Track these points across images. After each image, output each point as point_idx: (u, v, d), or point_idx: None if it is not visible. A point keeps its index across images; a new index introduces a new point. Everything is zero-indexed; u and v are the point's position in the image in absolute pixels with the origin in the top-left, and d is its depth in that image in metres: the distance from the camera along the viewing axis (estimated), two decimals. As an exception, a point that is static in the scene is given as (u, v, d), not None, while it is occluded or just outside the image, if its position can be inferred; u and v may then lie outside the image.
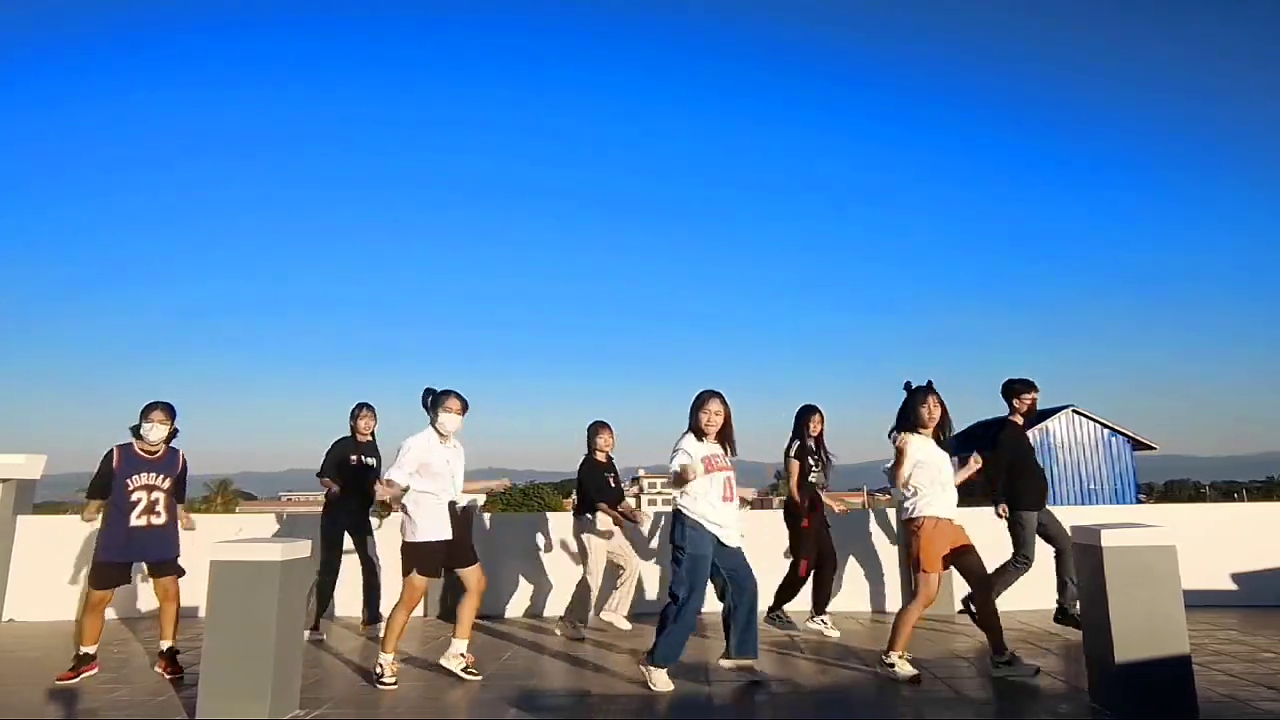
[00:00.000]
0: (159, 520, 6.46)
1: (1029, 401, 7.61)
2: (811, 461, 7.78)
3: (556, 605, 8.83)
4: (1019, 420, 7.65)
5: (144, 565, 6.58)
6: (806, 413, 7.89)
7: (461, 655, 6.14)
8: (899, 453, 6.20)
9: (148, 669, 6.50)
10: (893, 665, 5.96)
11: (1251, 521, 9.50)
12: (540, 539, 9.42)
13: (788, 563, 7.90)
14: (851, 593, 9.03)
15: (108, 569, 6.36)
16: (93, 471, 6.44)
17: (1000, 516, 7.16)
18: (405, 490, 5.95)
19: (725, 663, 5.97)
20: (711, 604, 6.02)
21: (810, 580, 7.86)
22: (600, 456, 8.05)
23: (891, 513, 9.39)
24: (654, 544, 9.27)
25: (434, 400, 6.27)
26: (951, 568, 6.16)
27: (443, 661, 6.14)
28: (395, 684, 5.85)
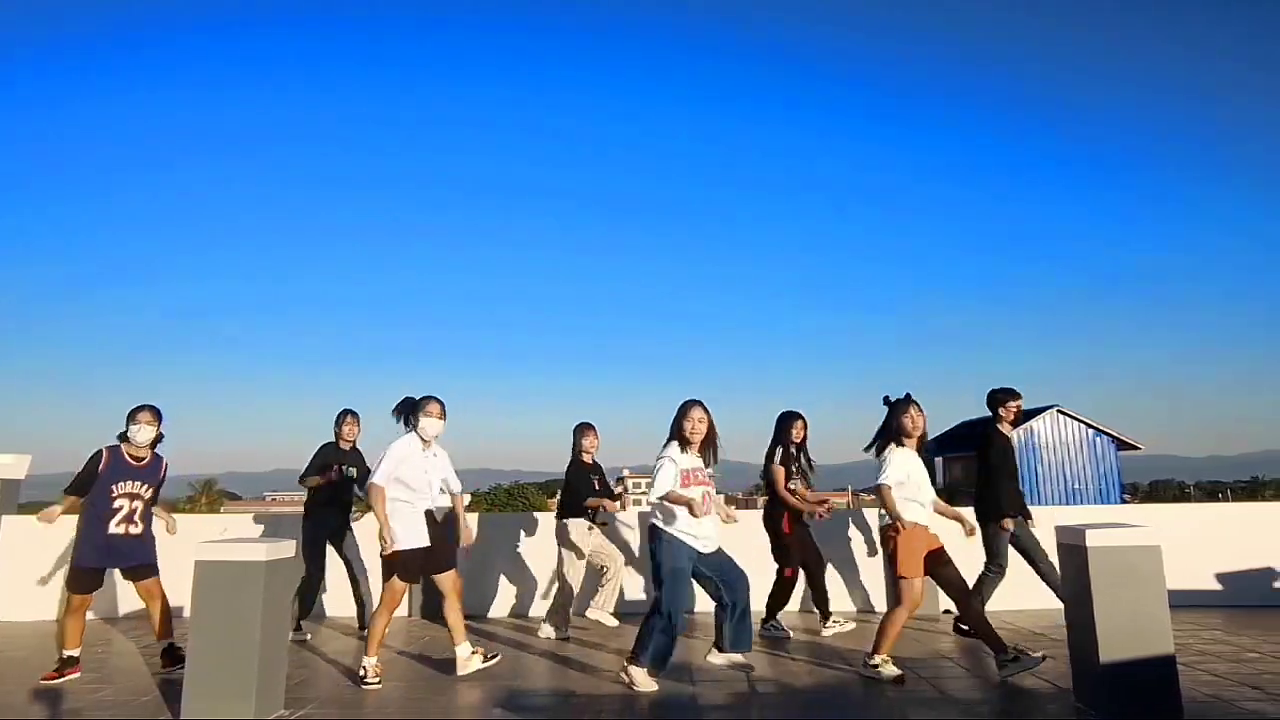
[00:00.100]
0: (135, 530, 6.44)
1: (1014, 409, 7.66)
2: (793, 469, 7.77)
3: (542, 605, 8.84)
4: (1006, 429, 7.67)
5: (118, 570, 6.55)
6: (789, 419, 7.86)
7: (473, 653, 6.17)
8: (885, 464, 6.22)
9: (131, 669, 6.49)
10: (876, 666, 5.98)
11: (1236, 521, 9.56)
12: (525, 539, 9.41)
13: (774, 567, 7.88)
14: (837, 593, 9.03)
15: (83, 574, 6.33)
16: (78, 472, 6.41)
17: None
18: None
19: (715, 658, 5.93)
20: (704, 604, 6.03)
21: (806, 586, 7.90)
22: (586, 459, 8.05)
23: (875, 513, 9.42)
24: (635, 542, 9.26)
25: (414, 406, 6.32)
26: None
27: (463, 670, 6.13)
28: (379, 684, 5.86)
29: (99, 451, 6.43)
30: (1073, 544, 5.27)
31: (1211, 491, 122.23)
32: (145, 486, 6.50)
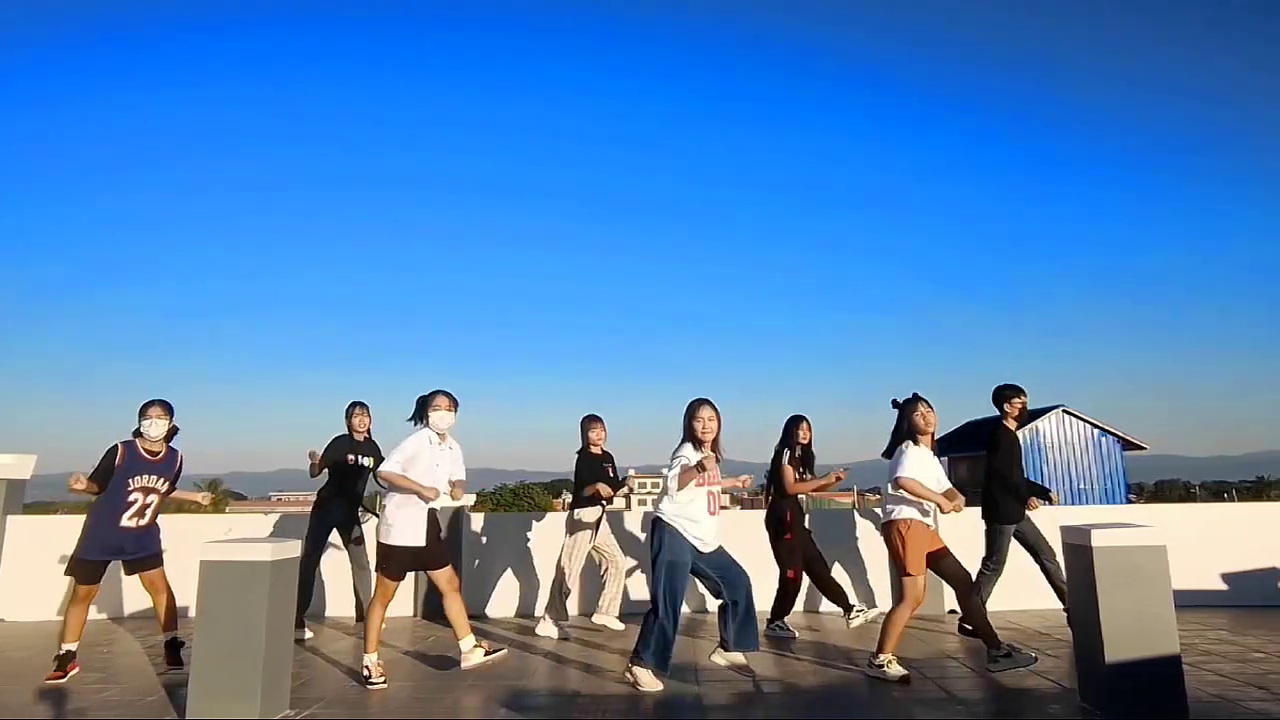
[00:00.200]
0: (144, 522, 6.48)
1: (1019, 406, 7.67)
2: (801, 471, 7.78)
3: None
4: (1012, 425, 7.68)
5: (121, 562, 6.56)
6: (795, 422, 7.89)
7: (475, 647, 6.16)
8: (900, 461, 6.22)
9: (136, 669, 6.49)
10: (882, 666, 5.98)
11: (1241, 521, 9.54)
12: (530, 539, 9.40)
13: (775, 568, 7.87)
14: (845, 592, 9.04)
15: (88, 565, 6.36)
16: (84, 472, 6.43)
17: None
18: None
19: (719, 658, 5.94)
20: (709, 604, 6.03)
21: (812, 586, 7.92)
22: (595, 449, 8.08)
23: (880, 513, 9.42)
24: (642, 540, 9.24)
25: (423, 402, 6.33)
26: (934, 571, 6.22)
27: (465, 666, 6.12)
28: (384, 683, 5.87)
29: (114, 446, 6.46)
30: (1078, 544, 5.26)
31: (1217, 491, 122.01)
32: (161, 480, 6.55)
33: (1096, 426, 45.57)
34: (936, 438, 6.52)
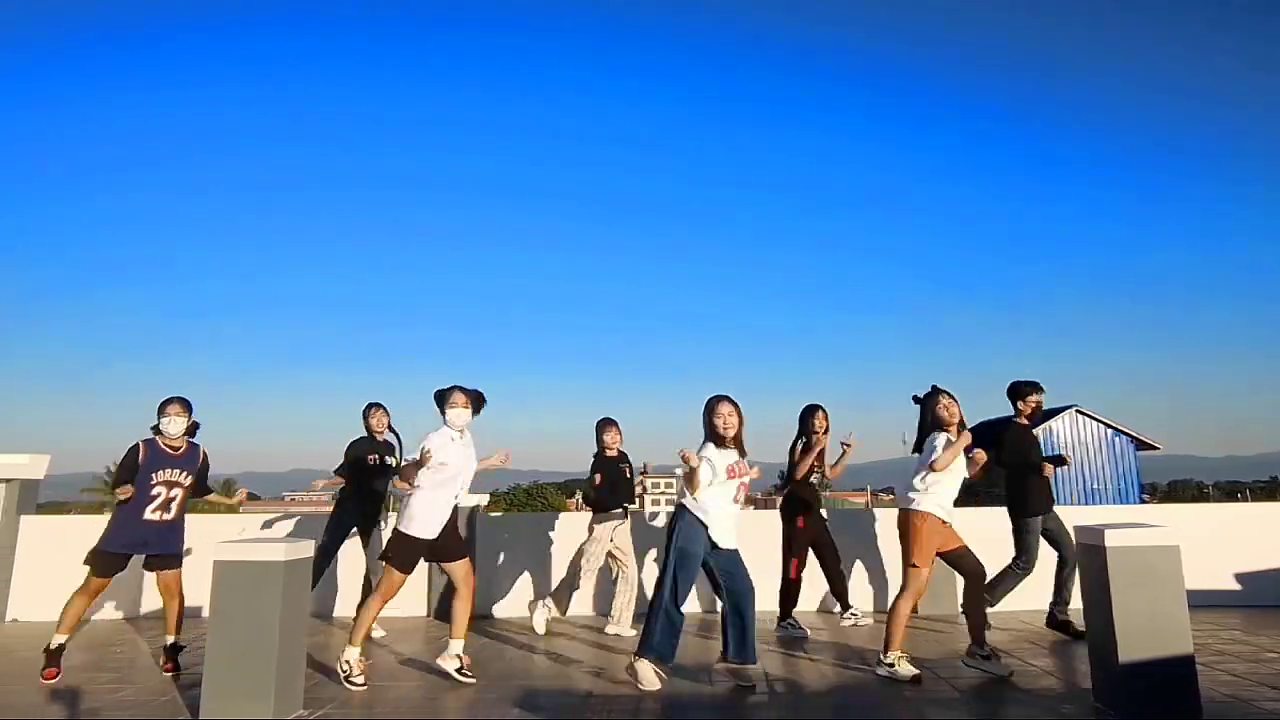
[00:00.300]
0: (169, 516, 6.51)
1: (1034, 403, 7.64)
2: (815, 461, 7.79)
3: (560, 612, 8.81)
4: (1024, 422, 7.67)
5: (142, 557, 6.58)
6: (810, 412, 7.90)
7: (457, 656, 6.11)
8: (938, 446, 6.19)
9: (151, 669, 6.51)
10: (892, 665, 5.97)
11: (1255, 522, 9.50)
12: (544, 539, 9.40)
13: (781, 569, 7.88)
14: (854, 593, 9.02)
15: (109, 557, 6.40)
16: (96, 472, 6.49)
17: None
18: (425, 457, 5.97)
19: (721, 666, 5.97)
20: (718, 604, 6.03)
21: (827, 576, 7.93)
22: (610, 452, 8.10)
23: (893, 513, 9.40)
24: (654, 545, 9.22)
25: (440, 399, 6.30)
26: (944, 564, 6.21)
27: (439, 663, 6.11)
28: (364, 684, 5.85)
29: (136, 445, 6.52)
30: (1092, 544, 5.25)
31: (1230, 491, 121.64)
32: (184, 474, 6.59)
33: (1110, 427, 45.51)
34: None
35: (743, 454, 6.02)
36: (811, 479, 7.81)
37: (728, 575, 5.89)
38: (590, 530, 7.92)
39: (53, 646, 6.35)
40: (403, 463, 6.10)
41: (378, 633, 7.69)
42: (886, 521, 9.33)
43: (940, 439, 6.19)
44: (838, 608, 8.06)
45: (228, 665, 4.98)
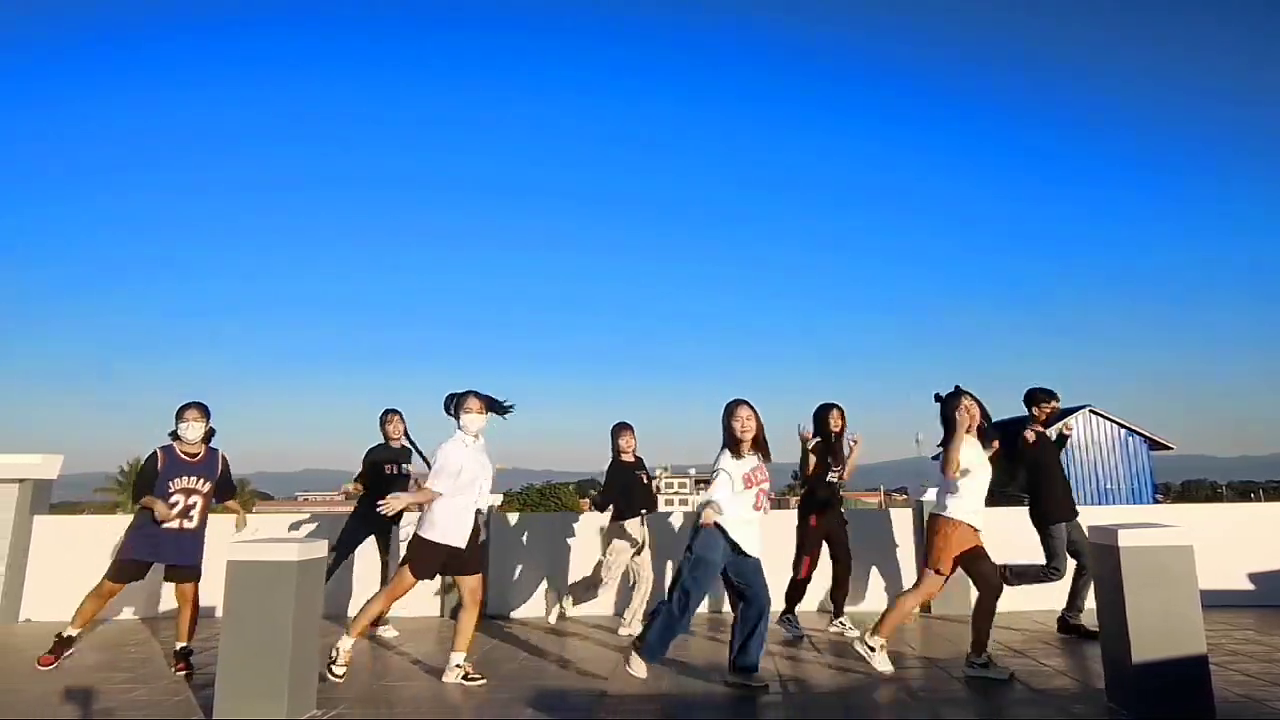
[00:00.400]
0: (190, 524, 6.55)
1: (1048, 410, 7.66)
2: (830, 460, 7.78)
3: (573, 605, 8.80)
4: (1040, 428, 7.66)
5: (163, 566, 6.61)
6: (825, 410, 7.90)
7: (459, 666, 6.10)
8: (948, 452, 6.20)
9: (166, 669, 6.53)
10: (873, 650, 6.03)
11: (1268, 521, 9.46)
12: (558, 539, 9.41)
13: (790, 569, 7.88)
14: (867, 592, 9.01)
15: (129, 565, 6.48)
16: (109, 472, 6.52)
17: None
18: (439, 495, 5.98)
19: (728, 676, 5.94)
20: (723, 605, 6.03)
21: (834, 578, 7.90)
22: (626, 457, 8.10)
23: (907, 513, 9.39)
24: (670, 546, 9.20)
25: (455, 404, 6.26)
26: (960, 570, 6.19)
27: (444, 678, 6.09)
28: (343, 676, 5.85)
29: (154, 453, 6.56)
30: (1105, 544, 5.24)
31: (1244, 491, 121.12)
32: (202, 481, 6.62)
33: (1123, 426, 45.37)
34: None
35: (766, 458, 6.03)
36: (829, 478, 7.79)
37: (745, 585, 5.88)
38: (610, 539, 7.94)
39: (63, 635, 6.46)
40: (417, 480, 6.06)
41: (390, 633, 7.71)
42: (900, 521, 9.33)
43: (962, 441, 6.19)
44: (830, 612, 8.01)
45: (241, 665, 5.00)
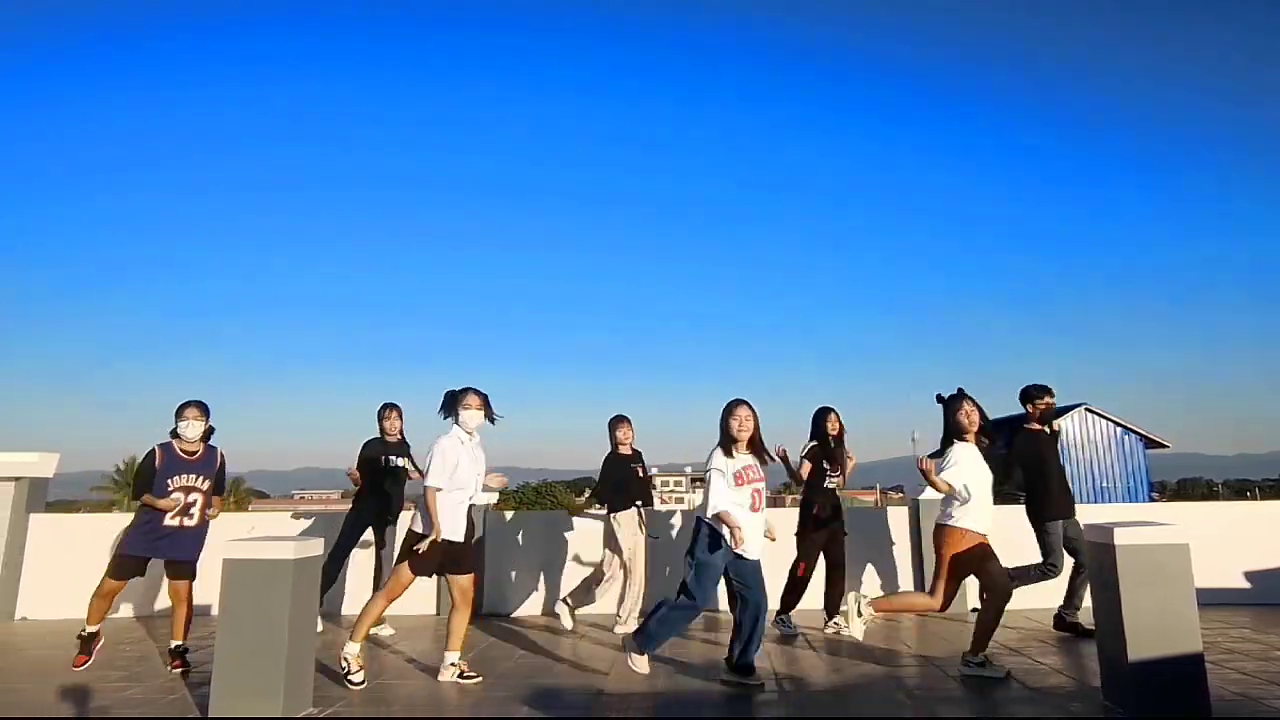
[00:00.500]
0: (190, 522, 6.57)
1: (1042, 406, 7.65)
2: (827, 464, 7.77)
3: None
4: (1035, 426, 7.67)
5: (161, 562, 6.61)
6: (823, 414, 7.90)
7: (453, 665, 6.08)
8: (947, 462, 6.21)
9: (161, 668, 6.52)
10: (859, 615, 6.17)
11: (1264, 520, 9.48)
12: (553, 537, 9.41)
13: (788, 567, 7.87)
14: (863, 591, 9.01)
15: (128, 561, 6.50)
16: (105, 470, 6.53)
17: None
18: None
19: (724, 675, 5.94)
20: (721, 604, 6.03)
21: (824, 583, 7.88)
22: (624, 450, 8.10)
23: (903, 511, 9.40)
24: (665, 542, 9.20)
25: (453, 399, 6.25)
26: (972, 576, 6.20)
27: (440, 676, 6.07)
28: (363, 681, 5.82)
29: (152, 450, 6.57)
30: (1101, 542, 5.24)
31: (1240, 489, 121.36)
32: (201, 478, 6.63)
33: (1119, 425, 45.42)
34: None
35: (763, 460, 6.04)
36: (827, 484, 7.78)
37: (744, 586, 5.88)
38: (610, 535, 7.93)
39: (85, 634, 6.49)
40: (429, 485, 6.02)
41: (386, 631, 7.70)
42: (897, 520, 9.34)
43: (954, 453, 6.19)
44: (824, 613, 7.99)
45: (237, 663, 5.00)
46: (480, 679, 6.01)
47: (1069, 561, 7.46)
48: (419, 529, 6.01)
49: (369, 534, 8.17)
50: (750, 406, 6.00)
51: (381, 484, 8.07)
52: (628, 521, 7.83)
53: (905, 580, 9.11)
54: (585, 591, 7.98)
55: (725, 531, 5.67)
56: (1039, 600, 7.75)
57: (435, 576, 6.37)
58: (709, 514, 5.74)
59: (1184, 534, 5.09)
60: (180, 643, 6.51)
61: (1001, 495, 7.32)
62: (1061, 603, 7.53)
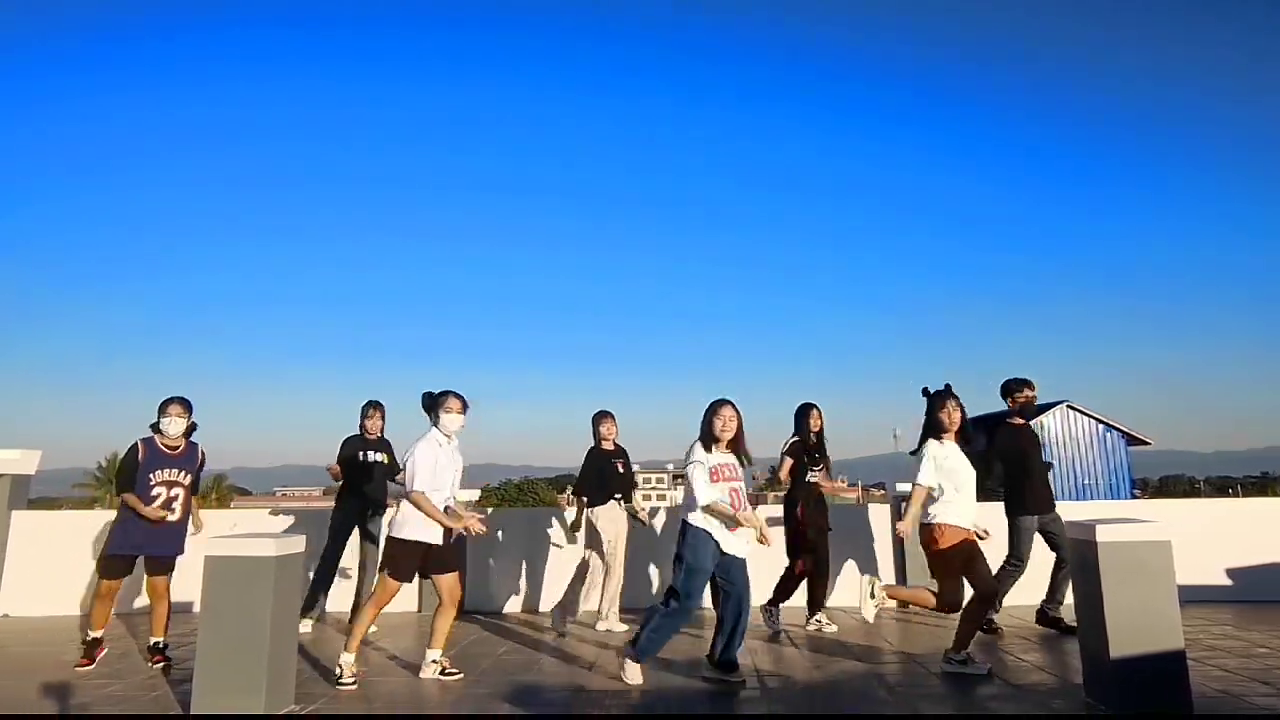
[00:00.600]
0: (173, 517, 6.59)
1: (1022, 399, 7.65)
2: (807, 460, 7.76)
3: (551, 601, 8.77)
4: (1017, 421, 7.67)
5: (143, 559, 6.60)
6: (805, 410, 7.89)
7: (435, 662, 6.07)
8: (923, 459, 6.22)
9: (142, 665, 6.50)
10: (871, 598, 6.30)
11: (1246, 517, 9.53)
12: (535, 534, 9.42)
13: (783, 563, 7.87)
14: (846, 588, 9.01)
15: (116, 560, 6.52)
16: (87, 468, 6.52)
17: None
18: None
19: (706, 671, 5.93)
20: (706, 601, 6.02)
21: (804, 582, 7.86)
22: (606, 445, 8.09)
23: (884, 508, 9.43)
24: (645, 538, 9.16)
25: (433, 402, 6.22)
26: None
27: (422, 673, 6.05)
28: (354, 685, 5.78)
29: (134, 445, 6.58)
30: (1083, 539, 5.25)
31: (1222, 487, 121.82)
32: (183, 473, 6.66)
33: (1101, 422, 45.63)
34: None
35: (743, 462, 6.04)
36: (809, 479, 7.78)
37: (728, 583, 5.86)
38: (591, 531, 7.91)
39: (89, 638, 6.50)
40: (413, 491, 5.99)
41: (370, 629, 7.69)
42: (878, 516, 9.36)
43: (929, 451, 6.21)
44: (806, 611, 7.97)
45: (219, 660, 4.98)
46: (462, 676, 6.00)
47: (1051, 556, 7.48)
48: (398, 534, 5.97)
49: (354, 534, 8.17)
50: (735, 407, 5.98)
51: (359, 481, 8.08)
52: (606, 514, 7.80)
53: (887, 577, 9.12)
54: (574, 598, 7.96)
55: (716, 526, 5.69)
56: (1021, 597, 7.77)
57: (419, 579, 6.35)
58: (700, 504, 5.72)
59: (1166, 531, 5.11)
60: (160, 639, 6.50)
61: (984, 491, 7.33)
62: (1045, 597, 7.55)
